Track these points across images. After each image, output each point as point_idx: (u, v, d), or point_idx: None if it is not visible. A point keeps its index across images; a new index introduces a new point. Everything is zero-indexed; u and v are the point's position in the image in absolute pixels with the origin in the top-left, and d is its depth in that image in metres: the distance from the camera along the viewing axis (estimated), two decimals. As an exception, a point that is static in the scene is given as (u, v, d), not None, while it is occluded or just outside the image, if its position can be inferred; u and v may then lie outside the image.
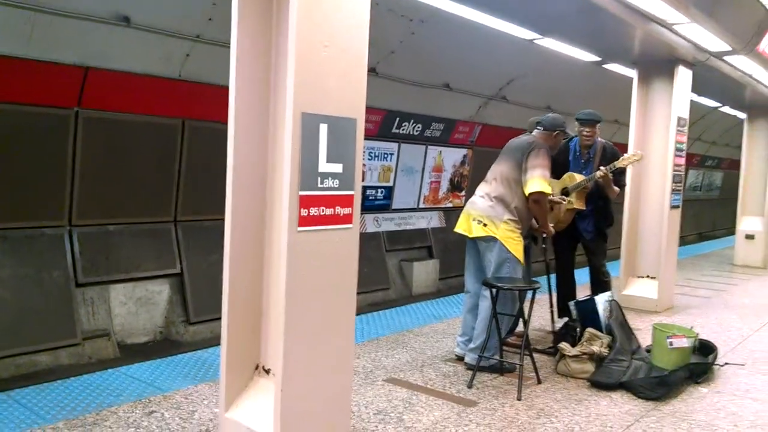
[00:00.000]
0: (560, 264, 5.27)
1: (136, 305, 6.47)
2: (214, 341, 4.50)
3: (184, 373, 3.97)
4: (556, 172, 4.91)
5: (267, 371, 2.83)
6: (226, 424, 2.79)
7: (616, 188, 4.93)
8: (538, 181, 4.08)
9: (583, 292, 5.34)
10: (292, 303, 2.56)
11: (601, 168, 4.77)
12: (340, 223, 2.72)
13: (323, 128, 2.59)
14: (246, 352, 2.82)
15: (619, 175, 4.96)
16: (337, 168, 2.68)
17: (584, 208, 4.85)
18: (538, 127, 4.50)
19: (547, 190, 4.13)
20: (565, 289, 5.19)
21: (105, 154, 5.95)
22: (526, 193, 4.11)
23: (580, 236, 5.11)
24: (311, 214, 2.59)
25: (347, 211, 2.75)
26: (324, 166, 2.63)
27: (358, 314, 5.59)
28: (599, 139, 5.05)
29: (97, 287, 6.14)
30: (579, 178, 4.83)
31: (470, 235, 4.21)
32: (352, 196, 2.76)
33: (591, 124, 4.94)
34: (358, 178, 2.79)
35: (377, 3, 6.01)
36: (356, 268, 2.82)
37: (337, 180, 2.69)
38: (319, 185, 2.62)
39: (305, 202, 2.56)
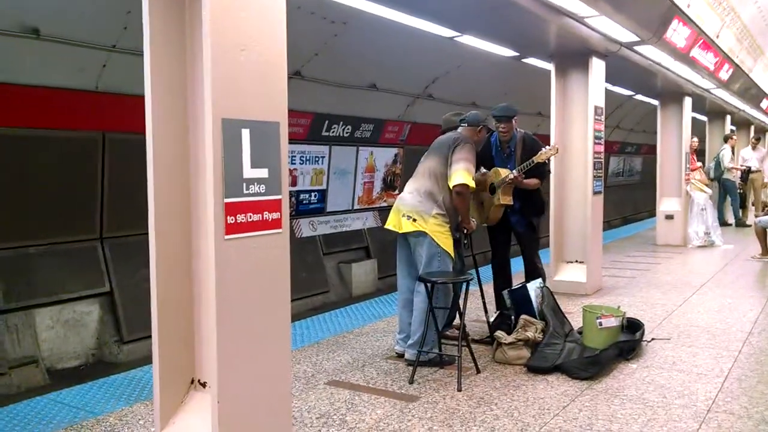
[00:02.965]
0: (496, 257, 5.33)
1: (64, 328, 6.20)
2: (151, 359, 4.36)
3: (118, 395, 3.83)
4: (484, 167, 5.01)
5: (203, 384, 2.77)
6: (163, 442, 2.72)
7: (534, 180, 4.95)
8: (461, 173, 4.15)
9: (519, 281, 5.45)
10: (224, 313, 2.52)
11: (513, 172, 4.79)
12: (268, 228, 2.69)
13: (245, 133, 2.56)
14: (180, 367, 2.75)
15: (542, 166, 4.98)
16: (263, 173, 2.66)
17: (511, 203, 4.90)
18: (463, 124, 4.59)
19: (471, 183, 4.19)
20: (502, 282, 5.22)
21: (20, 173, 5.69)
22: (450, 185, 4.18)
23: (512, 229, 5.19)
24: (238, 221, 2.55)
25: (276, 216, 2.72)
26: (249, 172, 2.59)
27: (298, 319, 5.59)
28: (519, 131, 5.09)
29: (20, 312, 5.86)
30: (504, 172, 4.87)
31: (400, 231, 4.25)
32: (279, 200, 2.74)
33: (505, 120, 4.93)
34: (284, 182, 2.77)
35: (298, 6, 6.01)
36: (288, 272, 2.80)
37: (263, 185, 2.66)
38: (245, 191, 2.58)
39: (231, 209, 2.52)
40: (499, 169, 4.93)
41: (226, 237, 2.49)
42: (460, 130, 4.56)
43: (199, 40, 2.50)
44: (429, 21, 6.19)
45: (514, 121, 4.99)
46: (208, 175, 2.47)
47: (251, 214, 2.60)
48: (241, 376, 2.60)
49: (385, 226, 4.39)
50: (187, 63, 2.63)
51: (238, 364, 2.58)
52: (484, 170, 4.99)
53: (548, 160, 5.06)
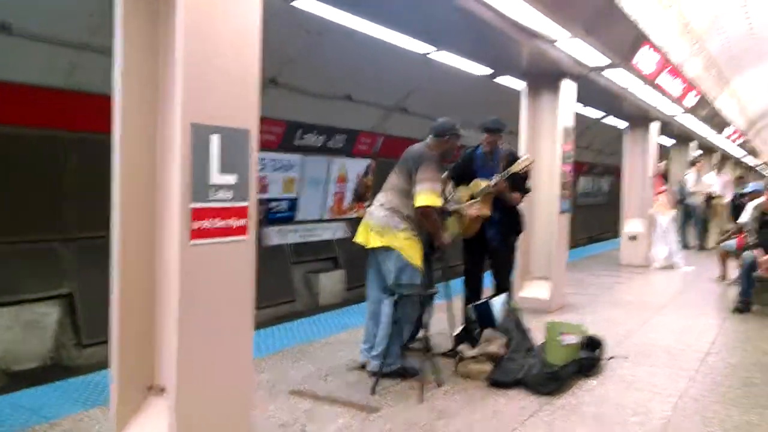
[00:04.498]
0: (469, 272, 5.29)
1: (22, 329, 6.06)
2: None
3: (75, 398, 3.76)
4: (467, 180, 5.02)
5: (161, 390, 2.74)
6: (118, 447, 2.68)
7: (516, 194, 5.00)
8: (424, 195, 4.09)
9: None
10: (186, 318, 2.50)
11: (494, 176, 4.88)
12: (234, 234, 2.69)
13: (215, 139, 2.57)
14: (138, 372, 2.72)
15: (522, 181, 5.03)
16: (231, 179, 2.66)
17: (489, 214, 4.93)
18: (431, 135, 4.50)
19: (435, 203, 4.15)
20: (472, 297, 5.15)
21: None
22: (415, 206, 4.14)
23: (488, 244, 5.14)
24: (204, 226, 2.55)
25: (242, 222, 2.73)
26: (216, 178, 2.60)
27: (262, 328, 5.55)
28: (504, 146, 5.14)
29: (-24, 312, 5.72)
30: (484, 184, 4.91)
31: (367, 246, 4.26)
32: (246, 207, 2.74)
33: (493, 132, 5.01)
34: (252, 189, 2.77)
35: (274, 14, 6.03)
36: (253, 280, 2.80)
37: (230, 191, 2.66)
38: (212, 197, 2.58)
39: (197, 214, 2.51)
40: (479, 180, 4.97)
41: (191, 242, 2.49)
42: (428, 140, 4.49)
43: (173, 44, 2.50)
44: (405, 35, 6.26)
45: (500, 135, 5.04)
46: (175, 179, 2.46)
47: (217, 220, 2.60)
48: (201, 383, 2.59)
49: (354, 240, 4.39)
50: (159, 66, 2.63)
51: (198, 371, 2.57)
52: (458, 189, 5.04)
53: (528, 175, 5.12)
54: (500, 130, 5.05)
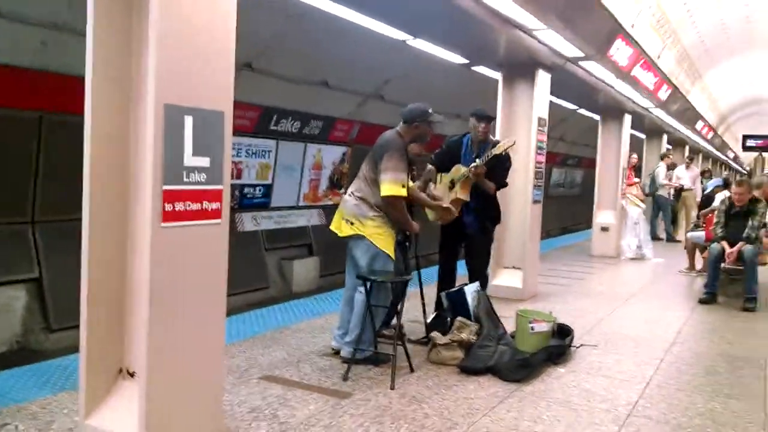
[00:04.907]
0: (444, 259, 5.31)
1: (-12, 313, 5.96)
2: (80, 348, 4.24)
3: (42, 382, 3.70)
4: (451, 165, 5.04)
5: (131, 374, 2.72)
6: (86, 431, 2.65)
7: (491, 184, 5.02)
8: (388, 185, 4.08)
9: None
10: (157, 302, 2.48)
11: (476, 161, 4.87)
12: (207, 218, 2.67)
13: (188, 120, 2.54)
14: (108, 355, 2.70)
15: (503, 173, 5.08)
16: (204, 162, 2.63)
17: (468, 200, 4.95)
18: (401, 121, 4.40)
19: (399, 192, 4.11)
20: (446, 284, 5.18)
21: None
22: (381, 196, 4.14)
23: (465, 231, 5.16)
24: (176, 209, 2.52)
25: (216, 206, 2.71)
26: (190, 160, 2.57)
27: (235, 314, 5.52)
28: (492, 137, 5.22)
29: (-59, 295, 5.60)
30: (464, 170, 4.93)
31: (340, 234, 4.26)
32: (220, 190, 2.72)
33: (487, 120, 5.08)
34: (226, 172, 2.75)
35: (251, -3, 5.95)
36: (226, 264, 2.78)
37: (204, 174, 2.64)
38: (185, 179, 2.55)
39: (169, 196, 2.49)
40: (460, 165, 5.00)
41: (163, 224, 2.46)
42: (398, 126, 4.41)
43: (146, 23, 2.46)
44: (382, 22, 6.23)
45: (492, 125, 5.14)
46: (148, 161, 2.43)
47: (190, 202, 2.57)
48: (172, 367, 2.57)
49: (330, 227, 4.38)
50: (133, 45, 2.58)
51: (169, 355, 2.55)
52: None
53: (509, 165, 5.18)
54: (492, 118, 5.19)
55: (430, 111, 4.34)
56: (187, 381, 2.65)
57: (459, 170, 4.98)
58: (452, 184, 4.99)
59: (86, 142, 2.54)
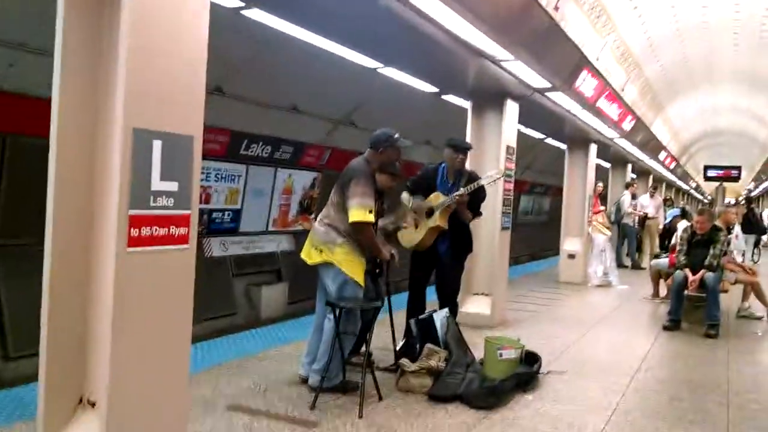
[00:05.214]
0: (413, 284, 5.31)
1: (-58, 340, 5.74)
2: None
3: (-3, 413, 3.58)
4: (426, 194, 5.10)
5: (92, 404, 2.64)
6: (42, 463, 2.56)
7: (470, 213, 5.12)
8: (355, 210, 4.06)
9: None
10: (120, 329, 2.42)
11: (462, 189, 4.94)
12: (174, 243, 2.63)
13: (157, 145, 2.51)
14: (68, 384, 2.61)
15: (479, 202, 5.17)
16: (172, 186, 2.60)
17: (446, 228, 4.99)
18: (369, 147, 4.41)
19: (366, 218, 4.08)
20: (415, 311, 5.16)
21: None
22: (349, 223, 4.12)
23: (438, 258, 5.19)
24: (142, 234, 2.48)
25: (183, 231, 2.67)
26: (157, 185, 2.54)
27: (201, 341, 5.42)
28: (466, 168, 5.33)
29: None
30: (443, 197, 4.98)
31: (309, 262, 4.24)
32: (188, 215, 2.69)
33: (464, 151, 5.19)
34: (195, 197, 2.72)
35: (221, 21, 5.96)
36: (192, 290, 2.73)
37: (171, 199, 2.60)
38: (152, 204, 2.52)
39: (136, 221, 2.45)
40: (439, 193, 5.05)
41: (128, 249, 2.42)
42: (366, 152, 4.40)
43: (116, 46, 2.44)
44: (352, 50, 6.30)
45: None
46: (114, 185, 2.40)
47: (157, 227, 2.54)
48: (134, 397, 2.51)
49: (301, 255, 4.36)
50: (102, 68, 2.55)
51: (132, 384, 2.49)
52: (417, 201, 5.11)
53: (485, 196, 5.26)
54: (468, 149, 5.31)
55: (396, 136, 4.34)
56: (150, 411, 2.58)
57: (438, 197, 5.02)
58: (431, 212, 5.01)
59: (51, 164, 2.49)
